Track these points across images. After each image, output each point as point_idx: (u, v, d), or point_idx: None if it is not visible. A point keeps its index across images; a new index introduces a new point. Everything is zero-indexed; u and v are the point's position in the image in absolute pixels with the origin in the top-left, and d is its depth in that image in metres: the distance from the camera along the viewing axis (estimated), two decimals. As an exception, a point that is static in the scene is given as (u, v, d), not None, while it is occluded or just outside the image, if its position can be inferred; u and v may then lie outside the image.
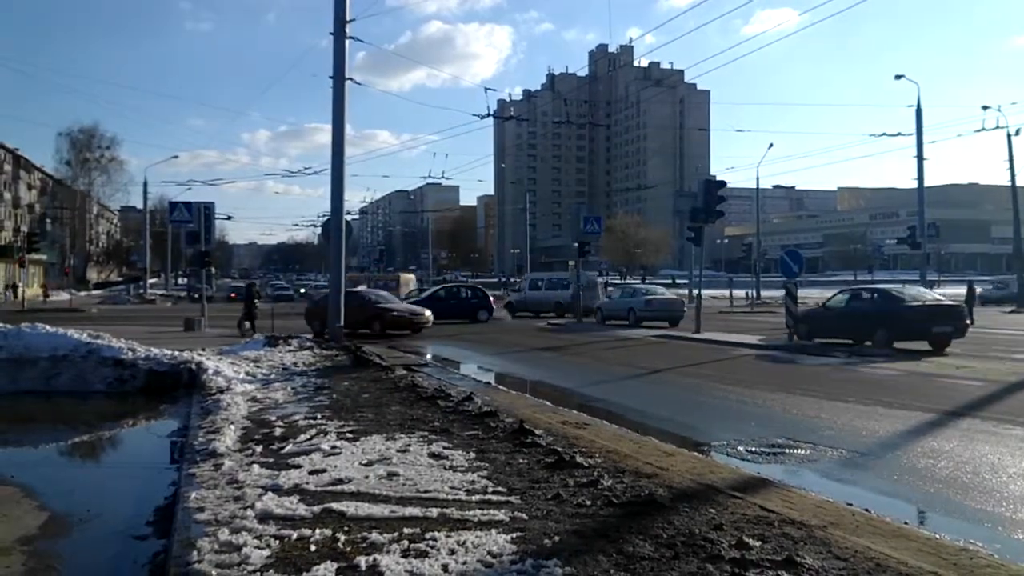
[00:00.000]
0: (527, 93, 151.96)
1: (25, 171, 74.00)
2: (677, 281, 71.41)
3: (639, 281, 66.81)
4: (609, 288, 40.25)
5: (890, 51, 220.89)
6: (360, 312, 21.39)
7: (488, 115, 25.33)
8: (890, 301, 17.92)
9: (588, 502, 4.81)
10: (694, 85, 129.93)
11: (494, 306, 32.42)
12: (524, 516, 4.51)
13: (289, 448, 6.44)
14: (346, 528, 4.28)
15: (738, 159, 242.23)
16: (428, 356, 17.42)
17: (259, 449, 6.43)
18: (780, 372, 14.06)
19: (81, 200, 70.71)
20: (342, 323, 16.96)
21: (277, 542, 4.04)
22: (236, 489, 5.10)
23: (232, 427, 7.37)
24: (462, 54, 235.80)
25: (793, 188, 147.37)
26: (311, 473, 5.54)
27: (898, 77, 36.07)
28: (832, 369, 14.28)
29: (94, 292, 59.53)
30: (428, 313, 24.41)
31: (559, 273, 46.26)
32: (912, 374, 13.23)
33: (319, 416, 8.03)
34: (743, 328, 24.78)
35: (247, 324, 23.20)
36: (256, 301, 24.56)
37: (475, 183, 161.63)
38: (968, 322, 18.69)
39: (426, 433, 7.07)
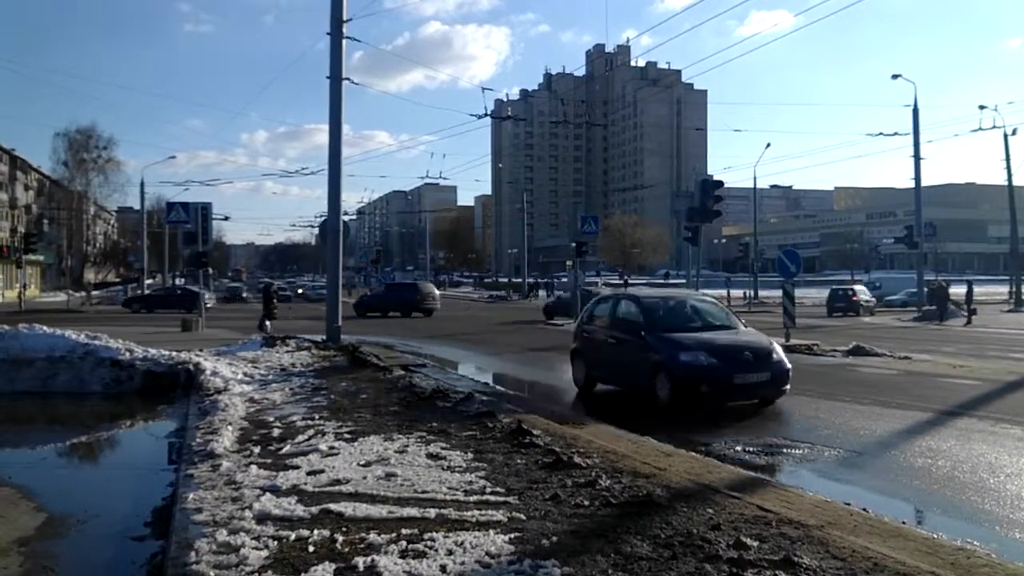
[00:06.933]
0: (524, 93, 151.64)
1: (22, 172, 73.71)
2: (671, 280, 71.13)
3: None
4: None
5: (887, 51, 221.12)
6: None
7: (485, 115, 25.34)
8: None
9: (586, 502, 4.82)
10: (691, 85, 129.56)
11: None
12: (522, 516, 4.51)
13: (287, 449, 6.44)
14: (344, 529, 4.28)
15: (735, 159, 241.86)
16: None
17: (257, 450, 6.43)
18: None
19: (78, 201, 70.46)
20: (340, 323, 16.95)
21: (275, 543, 4.05)
22: (234, 490, 5.10)
23: (230, 428, 7.36)
24: (460, 55, 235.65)
25: (790, 188, 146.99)
26: (309, 474, 5.54)
27: (895, 77, 36.32)
28: (829, 368, 14.28)
29: (94, 293, 59.40)
30: None
31: None
32: (909, 373, 13.23)
33: (317, 417, 8.03)
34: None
35: (267, 324, 22.96)
36: (275, 300, 24.61)
37: (473, 183, 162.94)
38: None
39: (424, 434, 7.06)
